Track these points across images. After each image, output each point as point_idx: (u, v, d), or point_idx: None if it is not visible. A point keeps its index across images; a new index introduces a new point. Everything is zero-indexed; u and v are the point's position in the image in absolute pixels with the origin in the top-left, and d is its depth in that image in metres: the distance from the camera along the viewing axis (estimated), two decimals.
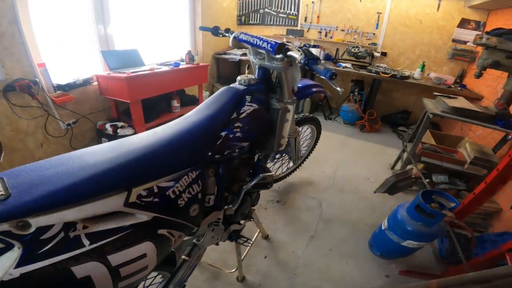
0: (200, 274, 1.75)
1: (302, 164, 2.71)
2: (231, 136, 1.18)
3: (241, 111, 1.25)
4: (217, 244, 1.43)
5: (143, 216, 0.87)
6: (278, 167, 2.48)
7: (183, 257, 1.30)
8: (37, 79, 2.51)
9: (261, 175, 1.40)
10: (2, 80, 2.33)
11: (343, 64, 4.23)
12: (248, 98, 1.30)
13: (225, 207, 1.33)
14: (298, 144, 2.04)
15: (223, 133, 1.15)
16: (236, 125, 1.21)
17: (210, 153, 1.10)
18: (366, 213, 2.33)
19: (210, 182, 1.16)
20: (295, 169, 2.64)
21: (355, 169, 3.09)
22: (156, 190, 0.88)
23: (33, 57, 2.50)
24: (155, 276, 1.40)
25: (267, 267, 1.79)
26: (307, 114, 2.28)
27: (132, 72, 2.87)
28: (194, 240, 1.31)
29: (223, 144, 1.15)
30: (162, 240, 0.95)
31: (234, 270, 1.74)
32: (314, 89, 2.01)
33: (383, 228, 1.81)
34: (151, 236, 0.86)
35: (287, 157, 2.42)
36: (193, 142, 1.03)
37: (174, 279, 1.30)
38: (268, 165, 2.19)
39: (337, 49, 4.75)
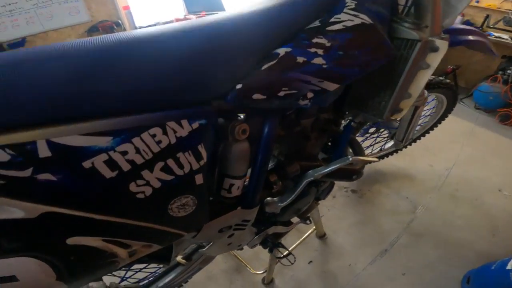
0: (222, 261, 1.44)
1: (404, 148, 1.86)
2: (300, 60, 0.49)
3: (333, 20, 0.53)
4: (240, 249, 0.84)
5: (14, 210, 0.34)
6: (368, 146, 1.71)
7: (178, 259, 0.77)
8: (119, 21, 2.78)
9: (350, 158, 0.71)
10: (88, 22, 2.65)
11: (495, 34, 3.33)
12: (350, 3, 0.58)
13: (267, 199, 0.70)
14: (417, 118, 1.22)
15: (281, 50, 0.47)
16: (317, 41, 0.51)
17: (241, 86, 0.44)
18: (481, 236, 1.68)
19: (237, 152, 0.53)
20: (392, 153, 1.83)
21: (482, 172, 2.12)
22: (47, 152, 0.28)
23: (118, 1, 2.75)
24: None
25: (307, 276, 1.38)
26: (441, 78, 1.40)
27: (207, 14, 2.89)
28: None
29: (277, 74, 0.47)
30: (81, 256, 0.40)
31: (262, 272, 1.32)
32: (471, 37, 1.17)
33: (509, 267, 1.25)
34: (34, 248, 0.39)
35: (387, 134, 1.62)
36: (191, 52, 0.38)
37: (162, 280, 0.79)
38: None
39: (487, 16, 3.63)
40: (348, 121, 0.93)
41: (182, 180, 0.45)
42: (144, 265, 0.90)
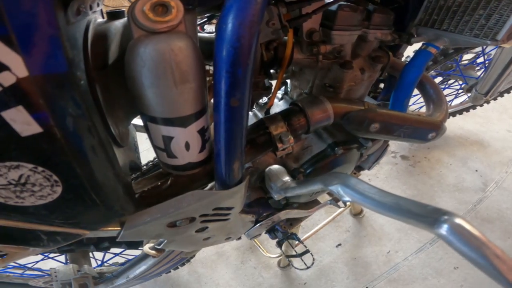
0: None
1: (479, 107, 1.43)
2: None
3: None
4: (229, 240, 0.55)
5: None
6: None
7: (146, 248, 0.51)
8: None
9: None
10: None
11: None
12: None
13: (270, 170, 0.39)
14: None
15: None
16: None
17: None
18: None
19: (155, 55, 0.20)
20: (463, 111, 1.40)
21: None
22: None
23: None
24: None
25: (332, 261, 1.15)
26: None
27: None
28: None
29: None
30: None
31: (277, 256, 1.09)
32: None
33: None
34: None
35: (458, 86, 1.20)
36: None
37: (132, 270, 0.55)
38: None
39: None
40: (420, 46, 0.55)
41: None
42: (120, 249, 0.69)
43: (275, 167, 0.40)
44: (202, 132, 0.26)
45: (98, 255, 0.80)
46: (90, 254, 0.70)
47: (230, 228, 0.45)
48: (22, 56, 0.16)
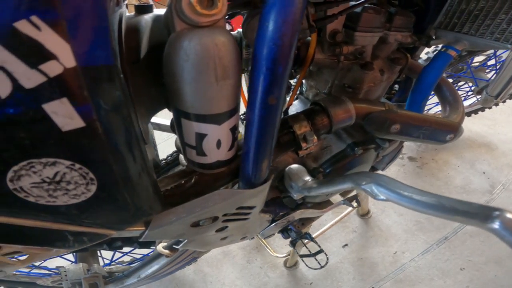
0: None
1: (488, 109, 1.41)
2: None
3: None
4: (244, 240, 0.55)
5: None
6: (437, 103, 1.28)
7: (159, 248, 0.50)
8: None
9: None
10: None
11: None
12: None
13: (290, 169, 0.39)
14: None
15: None
16: None
17: None
18: None
19: (199, 56, 0.19)
20: (472, 113, 1.39)
21: None
22: None
23: None
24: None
25: (339, 262, 1.15)
26: None
27: None
28: None
29: None
30: None
31: (284, 255, 1.08)
32: None
33: None
34: None
35: (467, 88, 1.18)
36: None
37: (144, 270, 0.55)
38: None
39: None
40: (438, 49, 0.54)
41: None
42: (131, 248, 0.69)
43: (296, 166, 0.40)
44: (234, 130, 0.26)
45: (105, 253, 0.80)
46: (98, 253, 0.70)
47: (247, 227, 0.44)
48: (71, 45, 0.15)
